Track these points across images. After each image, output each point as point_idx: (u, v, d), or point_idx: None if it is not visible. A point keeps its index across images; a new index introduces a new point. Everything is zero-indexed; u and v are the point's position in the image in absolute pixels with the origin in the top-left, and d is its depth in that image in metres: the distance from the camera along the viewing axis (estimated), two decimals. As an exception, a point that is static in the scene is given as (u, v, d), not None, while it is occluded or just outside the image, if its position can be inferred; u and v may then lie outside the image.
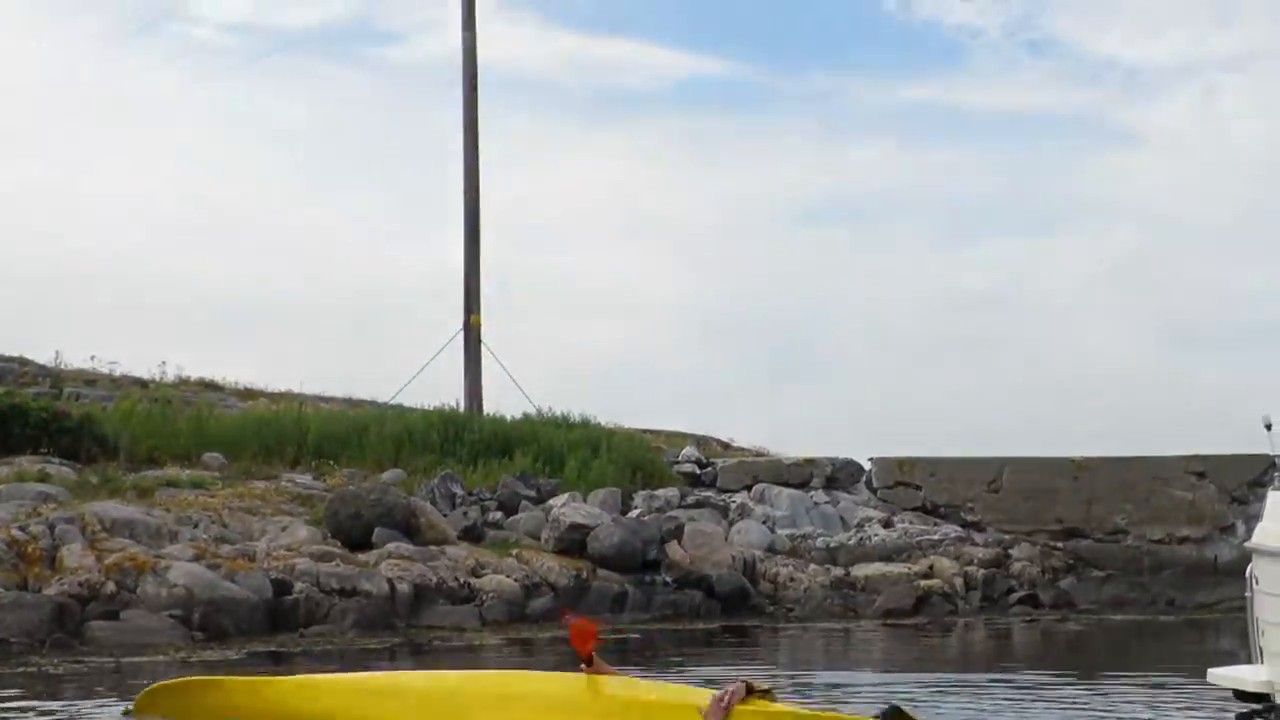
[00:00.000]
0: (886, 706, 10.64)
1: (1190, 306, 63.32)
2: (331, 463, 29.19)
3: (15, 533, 21.47)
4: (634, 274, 78.37)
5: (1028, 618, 26.63)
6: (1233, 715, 13.32)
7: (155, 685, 12.22)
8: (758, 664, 18.79)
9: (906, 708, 10.65)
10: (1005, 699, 14.58)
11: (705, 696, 10.53)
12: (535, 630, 22.15)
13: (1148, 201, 64.56)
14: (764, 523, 29.26)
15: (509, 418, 33.93)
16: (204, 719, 11.77)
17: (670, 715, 10.68)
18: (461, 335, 35.31)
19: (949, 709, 13.57)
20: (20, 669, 16.92)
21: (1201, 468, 30.92)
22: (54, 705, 13.61)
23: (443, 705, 11.36)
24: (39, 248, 62.12)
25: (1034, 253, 63.68)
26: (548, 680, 11.71)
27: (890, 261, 70.13)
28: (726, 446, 38.17)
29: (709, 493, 30.73)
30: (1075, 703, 14.16)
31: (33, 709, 13.39)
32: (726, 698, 10.17)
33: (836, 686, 15.78)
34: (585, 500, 28.07)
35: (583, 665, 11.44)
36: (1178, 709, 13.90)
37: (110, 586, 20.68)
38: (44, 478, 24.72)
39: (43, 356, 36.19)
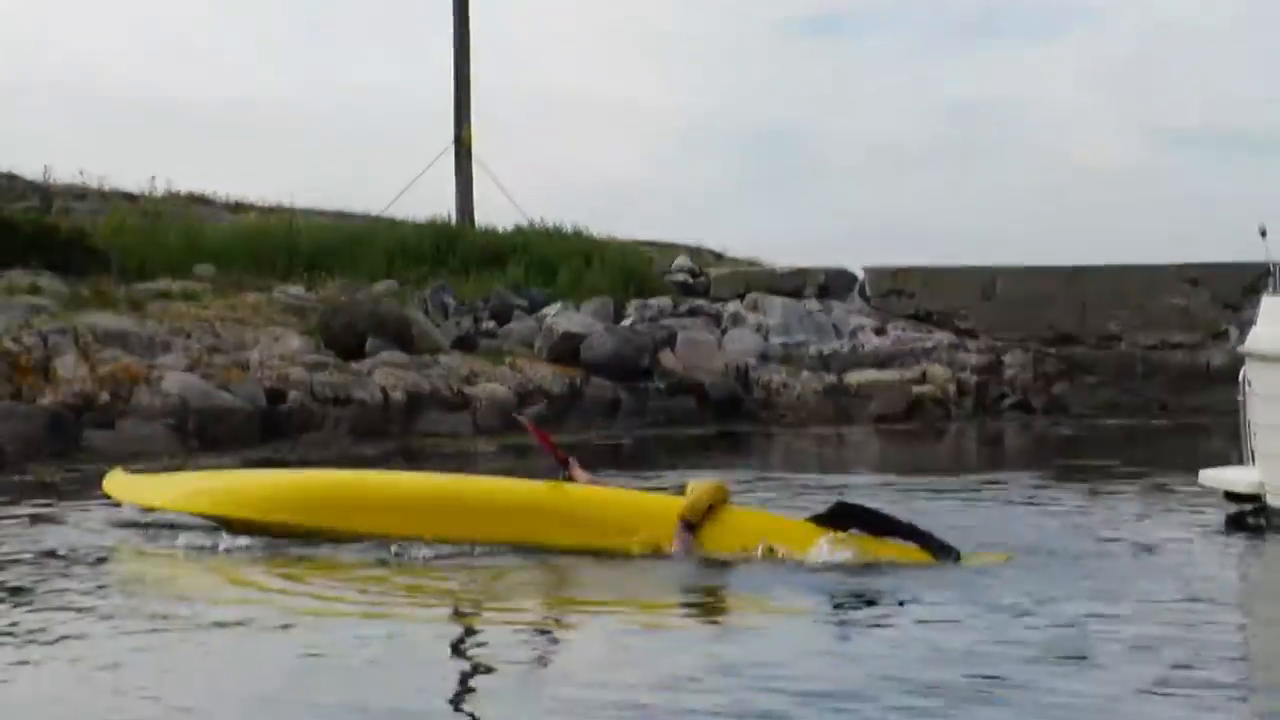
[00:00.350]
0: (834, 502, 10.75)
1: (1187, 113, 63.06)
2: (324, 274, 29.10)
3: (8, 344, 21.41)
4: (626, 85, 77.64)
5: (1021, 422, 26.72)
6: (1224, 516, 13.37)
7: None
8: (751, 469, 18.84)
9: (852, 501, 10.79)
10: (998, 502, 14.63)
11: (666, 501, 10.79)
12: (529, 437, 22.11)
13: (1146, 5, 63.99)
14: (757, 331, 29.24)
15: (501, 229, 33.87)
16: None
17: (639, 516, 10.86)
18: (452, 148, 35.08)
19: (941, 511, 13.59)
20: (16, 477, 16.98)
21: (1196, 275, 30.89)
22: (49, 510, 13.66)
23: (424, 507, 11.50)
24: (22, 57, 61.70)
25: (1029, 58, 63.25)
26: (516, 486, 11.77)
27: (884, 69, 69.69)
28: (719, 257, 38.08)
29: (702, 302, 30.68)
30: (1067, 505, 14.20)
31: (29, 515, 13.43)
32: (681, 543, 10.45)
33: (830, 488, 15.82)
34: (578, 310, 28.05)
35: (562, 472, 11.54)
36: (1170, 510, 13.96)
37: (105, 396, 20.67)
38: (35, 290, 24.63)
39: (31, 171, 35.99)
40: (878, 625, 8.50)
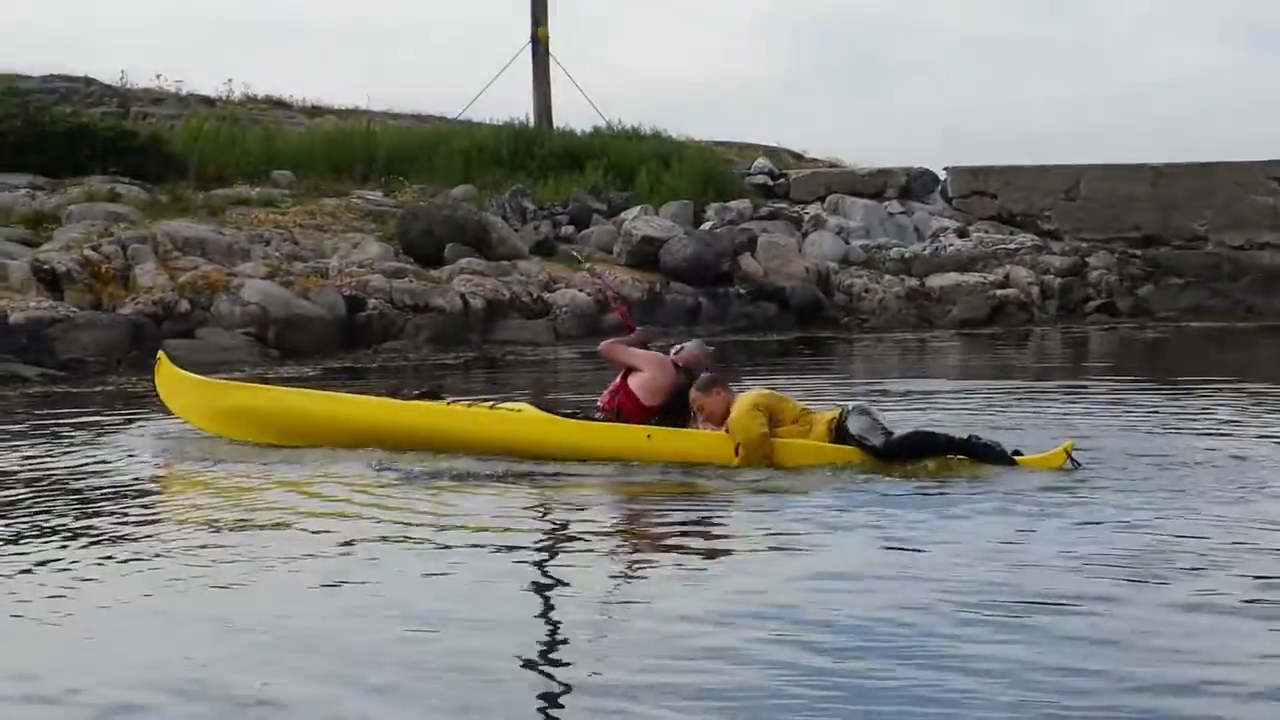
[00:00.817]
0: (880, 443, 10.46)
1: (1269, 7, 61.88)
2: (402, 179, 29.05)
3: (88, 252, 21.47)
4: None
5: (1105, 326, 26.40)
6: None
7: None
8: (833, 375, 18.69)
9: (894, 437, 10.49)
10: (1079, 408, 14.37)
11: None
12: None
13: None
14: (838, 234, 29.04)
15: (579, 132, 33.69)
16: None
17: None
18: (529, 48, 34.81)
19: (1018, 419, 13.38)
20: (99, 388, 17.00)
21: (1283, 173, 30.45)
22: (119, 422, 13.65)
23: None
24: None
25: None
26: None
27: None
28: (799, 158, 37.84)
29: (782, 204, 30.48)
30: (1150, 412, 13.90)
31: (99, 424, 13.43)
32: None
33: (910, 394, 15.66)
34: (657, 213, 27.89)
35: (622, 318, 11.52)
36: (1257, 416, 13.66)
37: (185, 305, 20.73)
38: (114, 198, 24.69)
39: (108, 76, 36.07)
40: (933, 543, 8.09)
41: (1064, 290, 28.08)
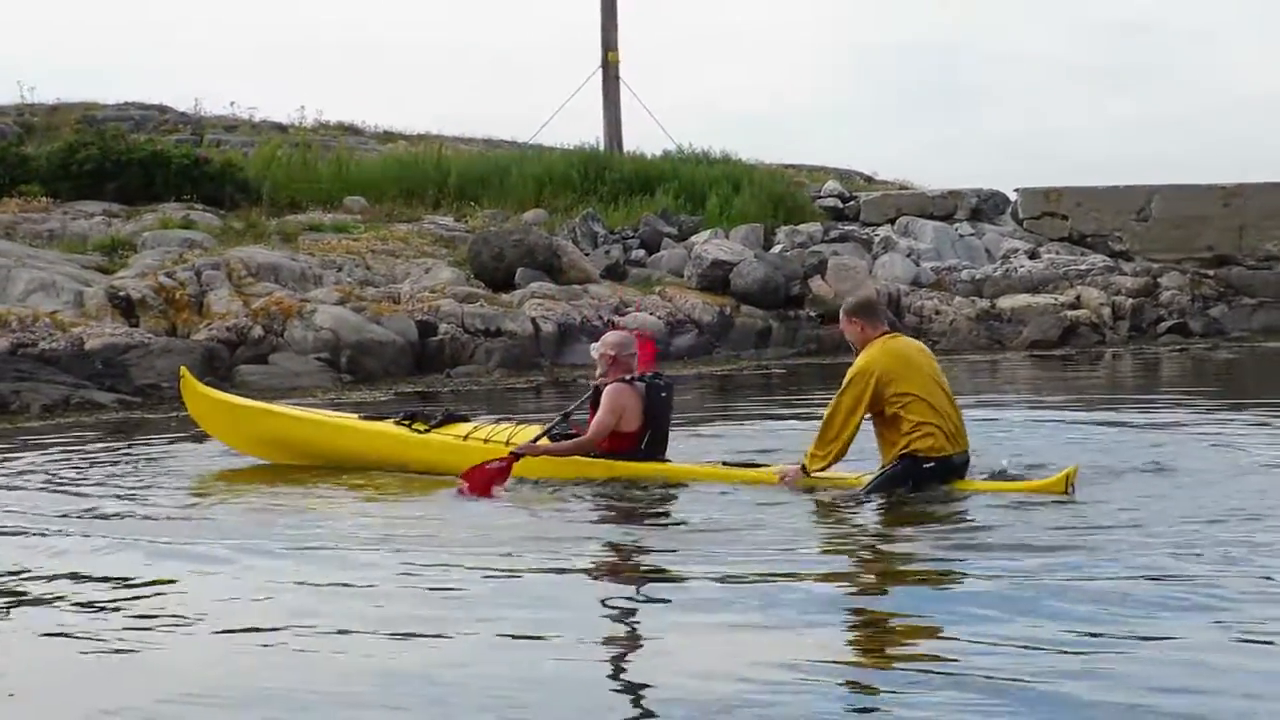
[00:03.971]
0: None
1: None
2: (473, 204, 29.22)
3: (163, 279, 21.72)
4: (774, 5, 77.20)
5: (1178, 347, 26.21)
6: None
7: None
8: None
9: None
10: (1146, 432, 14.11)
11: None
12: (680, 367, 22.03)
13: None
14: (908, 256, 29.02)
15: (649, 156, 33.83)
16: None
17: None
18: (600, 73, 34.98)
19: (1076, 442, 13.13)
20: (173, 414, 17.11)
21: (1358, 192, 30.23)
22: (175, 449, 13.73)
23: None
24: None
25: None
26: None
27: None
28: (869, 180, 37.87)
29: (852, 227, 30.49)
30: (1220, 436, 13.56)
31: (172, 450, 13.52)
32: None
33: (984, 417, 15.58)
34: (727, 237, 27.95)
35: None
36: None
37: (258, 330, 20.91)
38: (188, 225, 24.98)
39: (183, 104, 36.50)
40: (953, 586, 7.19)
41: (1135, 311, 27.93)
